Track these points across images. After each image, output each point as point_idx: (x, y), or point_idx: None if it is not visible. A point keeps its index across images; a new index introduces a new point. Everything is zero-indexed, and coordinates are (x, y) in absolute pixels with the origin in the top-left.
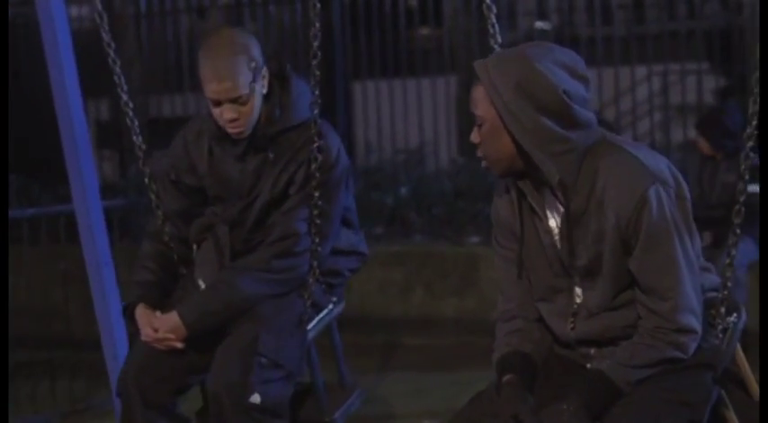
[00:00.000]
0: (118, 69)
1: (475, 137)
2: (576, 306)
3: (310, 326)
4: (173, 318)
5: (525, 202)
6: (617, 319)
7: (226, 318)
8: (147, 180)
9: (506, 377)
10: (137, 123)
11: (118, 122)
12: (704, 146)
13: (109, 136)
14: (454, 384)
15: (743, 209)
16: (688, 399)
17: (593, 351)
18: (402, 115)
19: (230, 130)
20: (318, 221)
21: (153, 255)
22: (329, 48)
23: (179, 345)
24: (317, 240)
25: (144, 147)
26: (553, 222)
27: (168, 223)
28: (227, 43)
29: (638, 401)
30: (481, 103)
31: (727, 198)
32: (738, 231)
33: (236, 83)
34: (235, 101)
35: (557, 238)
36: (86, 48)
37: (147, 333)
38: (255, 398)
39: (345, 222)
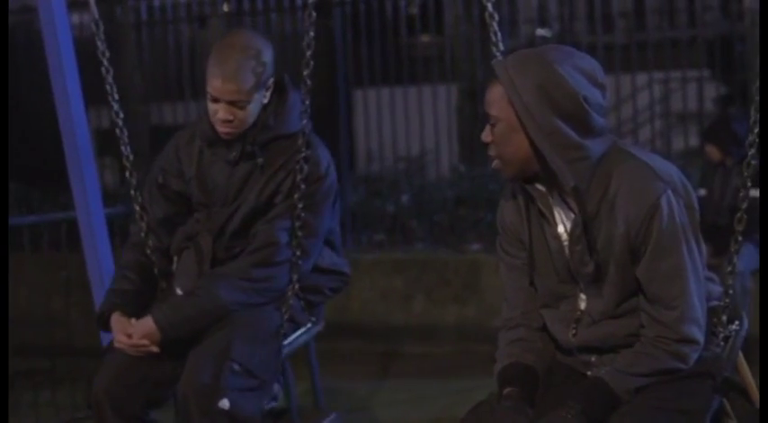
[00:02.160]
0: (110, 78)
1: (486, 136)
2: (579, 313)
3: (286, 341)
4: (147, 323)
5: (533, 206)
6: (619, 327)
7: (201, 324)
8: (132, 191)
9: (507, 390)
10: (126, 133)
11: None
12: (713, 152)
13: (109, 143)
14: (455, 392)
15: (745, 216)
16: (687, 407)
17: (593, 358)
18: (403, 123)
19: (220, 129)
20: (300, 234)
21: (133, 265)
22: (330, 55)
23: (155, 349)
24: (297, 253)
25: (131, 157)
26: (562, 228)
27: (151, 235)
28: (243, 45)
29: (637, 410)
30: (498, 102)
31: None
32: (740, 239)
33: (239, 87)
34: (233, 103)
35: (565, 243)
36: (88, 55)
37: (120, 339)
38: (224, 403)
39: (328, 244)
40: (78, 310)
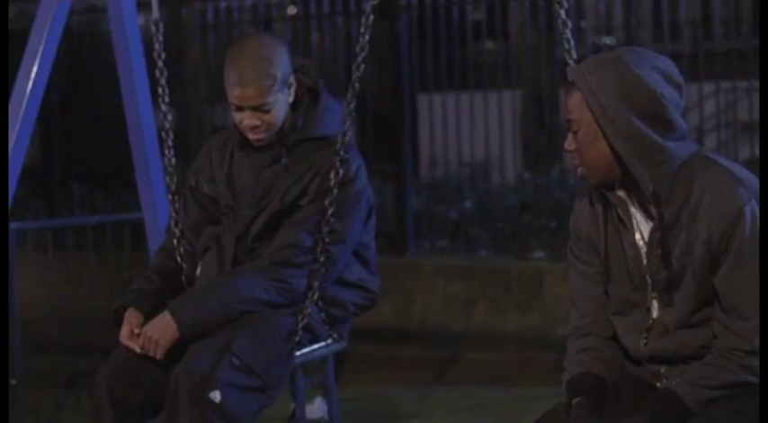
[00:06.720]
0: (163, 80)
1: (569, 144)
2: (651, 321)
3: (300, 352)
4: (163, 317)
5: (611, 213)
6: (693, 337)
7: (218, 318)
8: (169, 196)
9: (576, 400)
10: (171, 137)
11: (183, 131)
12: None
13: (175, 143)
14: (517, 400)
15: None
16: (758, 421)
17: (663, 369)
18: (468, 128)
19: (251, 137)
20: (327, 239)
21: (159, 268)
22: (396, 60)
23: (159, 355)
24: (321, 259)
25: (173, 162)
26: (639, 235)
27: (183, 241)
28: (253, 50)
29: (709, 422)
30: (577, 108)
31: None
32: None
33: (259, 90)
34: (257, 108)
35: (643, 251)
36: (153, 56)
37: (123, 332)
38: (215, 395)
39: (359, 258)
40: None
